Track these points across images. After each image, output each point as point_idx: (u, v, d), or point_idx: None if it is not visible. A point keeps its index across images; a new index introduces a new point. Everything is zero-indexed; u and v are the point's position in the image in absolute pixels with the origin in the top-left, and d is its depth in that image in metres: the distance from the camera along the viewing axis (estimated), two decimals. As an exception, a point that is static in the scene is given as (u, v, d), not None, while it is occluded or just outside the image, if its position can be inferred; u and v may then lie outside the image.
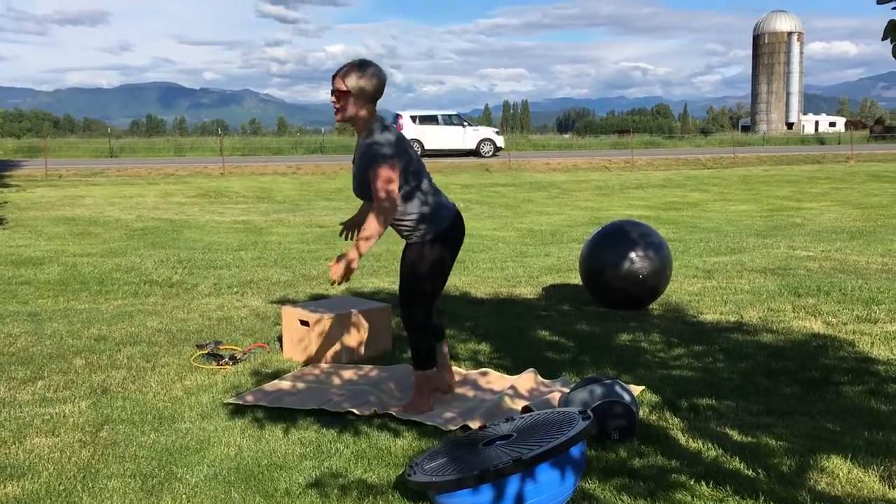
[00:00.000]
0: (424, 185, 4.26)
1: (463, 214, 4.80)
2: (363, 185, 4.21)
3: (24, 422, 4.42)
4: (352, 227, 4.72)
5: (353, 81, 4.07)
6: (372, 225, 3.98)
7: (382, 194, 4.02)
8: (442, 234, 4.31)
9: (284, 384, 4.97)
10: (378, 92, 4.16)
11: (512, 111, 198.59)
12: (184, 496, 3.50)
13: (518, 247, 11.55)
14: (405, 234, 4.37)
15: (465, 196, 20.67)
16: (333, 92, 4.13)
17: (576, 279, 8.38)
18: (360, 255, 3.97)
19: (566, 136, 75.54)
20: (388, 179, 4.04)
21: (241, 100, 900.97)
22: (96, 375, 5.25)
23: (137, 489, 3.56)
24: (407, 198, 4.20)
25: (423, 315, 4.37)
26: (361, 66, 4.11)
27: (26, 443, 4.11)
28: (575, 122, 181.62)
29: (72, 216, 15.53)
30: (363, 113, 4.16)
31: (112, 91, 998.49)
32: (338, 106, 4.12)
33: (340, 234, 4.78)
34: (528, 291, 8.04)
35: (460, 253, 5.29)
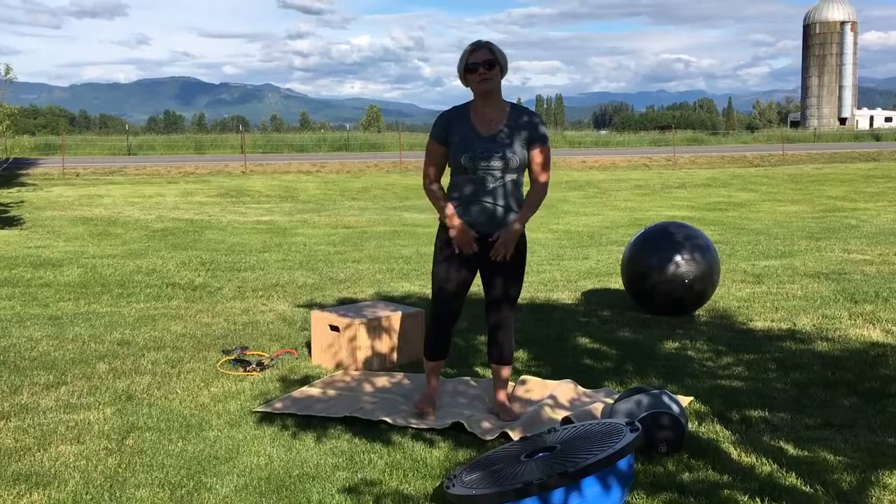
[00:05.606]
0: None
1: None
2: (514, 159, 4.15)
3: (48, 428, 4.32)
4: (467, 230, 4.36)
5: (501, 56, 4.23)
6: (534, 203, 4.22)
7: (546, 176, 4.24)
8: None
9: (314, 391, 4.85)
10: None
11: (545, 106, 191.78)
12: (215, 507, 3.41)
13: (554, 249, 11.34)
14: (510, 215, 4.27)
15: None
16: (483, 63, 4.16)
17: (616, 284, 8.19)
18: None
19: (603, 132, 74.05)
20: (550, 161, 4.30)
21: (263, 95, 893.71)
22: (120, 381, 5.15)
23: (166, 499, 3.48)
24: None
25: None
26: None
27: (51, 450, 4.03)
28: (612, 117, 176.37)
29: (90, 216, 15.49)
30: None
31: (129, 86, 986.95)
32: (489, 75, 4.19)
33: (480, 241, 4.29)
34: (566, 296, 7.83)
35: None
